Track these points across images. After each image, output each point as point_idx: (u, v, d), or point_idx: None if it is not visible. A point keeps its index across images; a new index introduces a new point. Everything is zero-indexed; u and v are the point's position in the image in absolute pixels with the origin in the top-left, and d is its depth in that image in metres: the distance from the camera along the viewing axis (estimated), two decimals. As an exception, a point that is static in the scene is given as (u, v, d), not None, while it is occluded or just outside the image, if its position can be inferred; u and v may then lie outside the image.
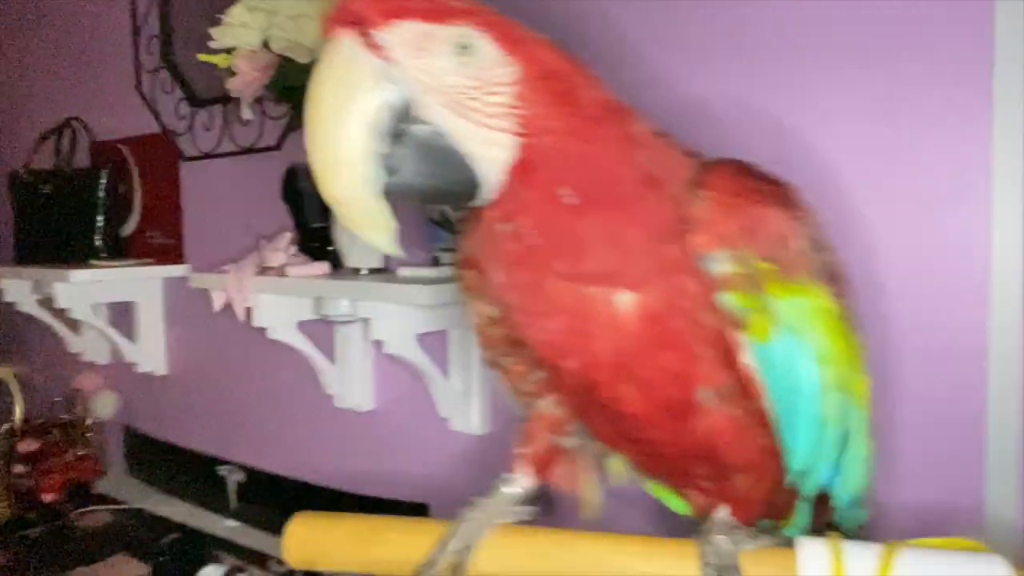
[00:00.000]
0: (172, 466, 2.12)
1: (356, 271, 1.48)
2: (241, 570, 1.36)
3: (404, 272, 1.41)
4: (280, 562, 1.50)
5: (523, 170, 0.65)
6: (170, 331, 2.16)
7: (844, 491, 0.83)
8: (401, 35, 0.61)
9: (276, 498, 1.83)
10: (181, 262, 2.08)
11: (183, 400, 2.14)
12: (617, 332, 0.69)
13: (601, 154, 0.66)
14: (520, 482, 0.88)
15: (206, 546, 1.56)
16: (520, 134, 0.65)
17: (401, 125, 0.63)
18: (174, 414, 2.16)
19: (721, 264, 0.66)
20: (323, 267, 1.51)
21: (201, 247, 2.05)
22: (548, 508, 0.92)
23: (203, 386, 2.08)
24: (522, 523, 0.85)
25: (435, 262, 1.43)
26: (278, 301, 1.55)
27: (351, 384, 1.67)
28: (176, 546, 1.50)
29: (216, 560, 1.46)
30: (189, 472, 2.05)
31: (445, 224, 1.40)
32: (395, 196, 0.63)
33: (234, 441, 1.97)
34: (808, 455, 0.74)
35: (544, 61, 0.66)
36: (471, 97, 0.64)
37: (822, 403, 0.72)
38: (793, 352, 0.69)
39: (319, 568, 0.86)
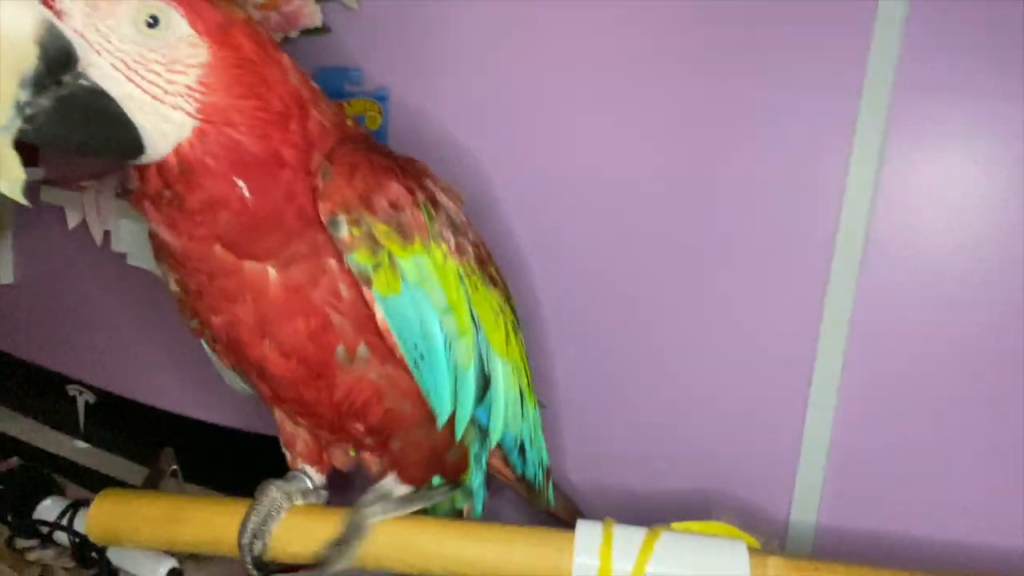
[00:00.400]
0: (15, 381, 1.98)
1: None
2: (85, 503, 1.30)
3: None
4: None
5: (195, 152, 0.66)
6: (18, 238, 1.99)
7: (496, 430, 0.89)
8: None
9: (135, 424, 1.76)
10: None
11: (30, 313, 1.99)
12: (260, 298, 0.74)
13: (276, 153, 0.69)
14: (307, 474, 0.91)
15: (50, 473, 1.48)
16: (199, 118, 0.65)
17: (60, 77, 0.61)
18: (19, 326, 2.01)
19: (343, 227, 0.71)
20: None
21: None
22: (342, 488, 0.95)
23: (54, 302, 1.93)
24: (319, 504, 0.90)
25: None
26: (141, 227, 1.45)
27: (218, 317, 1.60)
28: (17, 475, 1.42)
29: (60, 490, 1.40)
30: (34, 388, 1.93)
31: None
32: (34, 143, 0.62)
33: (88, 362, 1.87)
34: (448, 398, 0.81)
35: (239, 49, 0.66)
36: (151, 70, 0.63)
37: (453, 350, 0.79)
38: (419, 305, 0.76)
39: (123, 545, 0.85)
